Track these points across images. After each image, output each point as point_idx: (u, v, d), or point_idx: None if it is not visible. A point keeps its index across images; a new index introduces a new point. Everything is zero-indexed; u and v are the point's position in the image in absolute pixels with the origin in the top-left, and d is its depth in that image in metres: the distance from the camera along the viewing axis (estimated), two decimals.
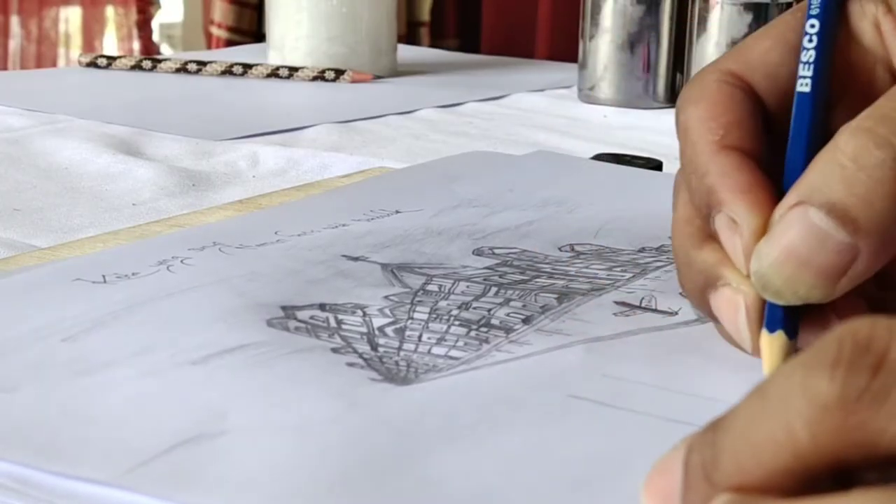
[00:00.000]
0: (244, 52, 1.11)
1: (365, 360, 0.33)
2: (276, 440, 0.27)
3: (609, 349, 0.34)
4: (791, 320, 0.31)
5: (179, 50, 2.68)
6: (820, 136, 0.32)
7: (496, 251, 0.43)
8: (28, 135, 0.70)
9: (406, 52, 1.07)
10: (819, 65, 0.33)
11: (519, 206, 0.50)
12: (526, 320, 0.36)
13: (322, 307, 0.37)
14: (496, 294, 0.38)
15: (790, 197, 0.29)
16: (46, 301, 0.37)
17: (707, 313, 0.33)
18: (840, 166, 0.29)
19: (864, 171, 0.28)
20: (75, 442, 0.27)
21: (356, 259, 0.42)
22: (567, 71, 0.99)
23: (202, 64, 0.96)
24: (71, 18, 2.54)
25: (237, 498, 0.25)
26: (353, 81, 0.93)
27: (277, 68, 0.94)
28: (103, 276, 0.39)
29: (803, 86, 0.32)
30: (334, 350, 0.33)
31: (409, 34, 1.96)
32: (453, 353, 0.33)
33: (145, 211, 0.54)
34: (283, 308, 0.36)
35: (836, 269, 0.29)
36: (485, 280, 0.40)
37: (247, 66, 0.94)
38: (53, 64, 2.48)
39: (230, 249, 0.42)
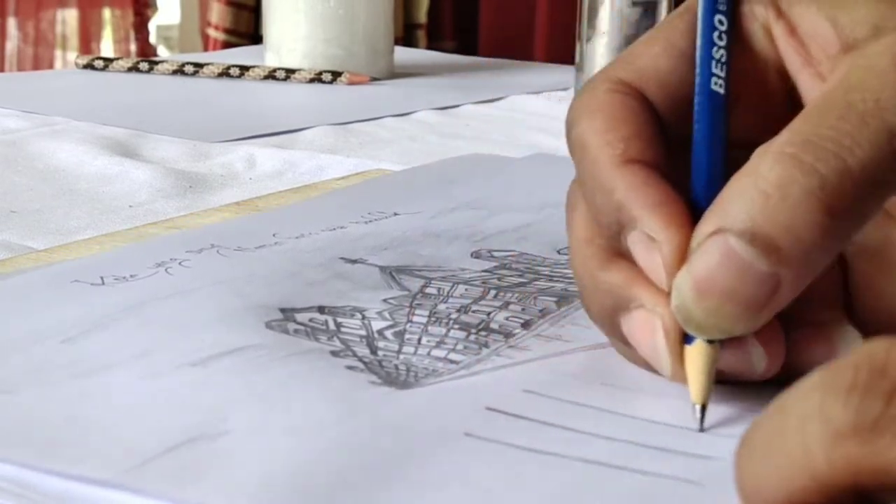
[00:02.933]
0: (241, 54, 1.11)
1: (364, 363, 0.32)
2: (276, 442, 0.27)
3: (609, 356, 0.34)
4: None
5: (176, 52, 2.68)
6: (725, 143, 0.31)
7: (494, 254, 0.43)
8: (25, 137, 0.70)
9: (403, 54, 1.07)
10: (730, 65, 0.31)
11: (517, 208, 0.50)
12: (525, 325, 0.36)
13: (321, 310, 0.37)
14: (495, 297, 0.38)
15: (707, 224, 0.28)
16: (45, 303, 0.37)
17: (618, 338, 0.32)
18: (763, 194, 0.27)
19: (788, 199, 0.27)
20: (75, 443, 0.27)
21: (354, 261, 0.42)
22: (564, 73, 0.99)
23: (199, 66, 0.96)
24: (68, 20, 2.54)
25: (236, 499, 0.25)
26: (350, 83, 0.93)
27: (274, 70, 0.94)
28: (102, 278, 0.39)
29: (717, 86, 0.31)
30: (334, 353, 0.33)
31: (406, 36, 1.97)
32: (453, 356, 0.33)
33: (142, 213, 0.54)
34: (282, 310, 0.36)
35: (759, 300, 0.28)
36: (483, 283, 0.40)
37: (243, 68, 0.94)
38: (50, 66, 2.47)
39: (228, 252, 0.42)
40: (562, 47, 1.35)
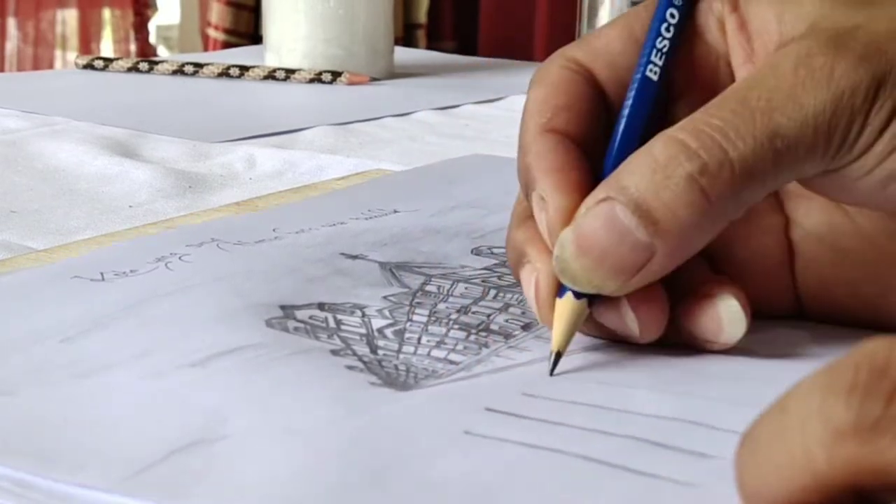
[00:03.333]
0: (241, 54, 1.11)
1: (364, 363, 0.32)
2: (276, 444, 0.27)
3: (607, 352, 0.34)
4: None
5: (176, 52, 2.68)
6: (655, 128, 0.32)
7: (494, 251, 0.43)
8: (25, 137, 0.69)
9: (403, 55, 1.07)
10: (670, 56, 0.34)
11: None
12: (525, 327, 0.36)
13: (321, 307, 0.37)
14: (495, 298, 0.38)
15: (600, 191, 0.31)
16: (45, 301, 0.36)
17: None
18: (651, 171, 0.30)
19: (671, 179, 0.30)
20: (74, 448, 0.27)
21: (354, 257, 0.42)
22: None
23: (199, 66, 0.96)
24: (68, 20, 2.54)
25: (236, 503, 0.25)
26: (350, 83, 0.93)
27: (274, 70, 0.94)
28: (101, 274, 0.39)
29: (651, 73, 0.33)
30: (334, 352, 0.33)
31: (406, 36, 1.97)
32: (452, 356, 0.33)
33: (142, 213, 0.54)
34: (282, 307, 0.36)
35: (632, 266, 0.31)
36: (483, 282, 0.40)
37: (243, 69, 0.94)
38: (50, 66, 2.47)
39: (228, 246, 0.42)
40: (561, 47, 1.35)
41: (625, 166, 0.31)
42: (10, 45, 2.46)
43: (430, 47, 1.86)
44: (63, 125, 0.73)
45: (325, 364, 0.32)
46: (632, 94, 0.33)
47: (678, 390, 0.31)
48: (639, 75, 0.34)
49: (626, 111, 0.33)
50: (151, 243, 0.43)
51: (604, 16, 0.85)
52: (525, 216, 0.34)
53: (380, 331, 0.35)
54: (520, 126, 0.35)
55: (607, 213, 0.30)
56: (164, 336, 0.34)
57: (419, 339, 0.34)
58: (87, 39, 2.53)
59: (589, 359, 0.33)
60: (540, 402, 0.30)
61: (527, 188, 0.34)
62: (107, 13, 2.55)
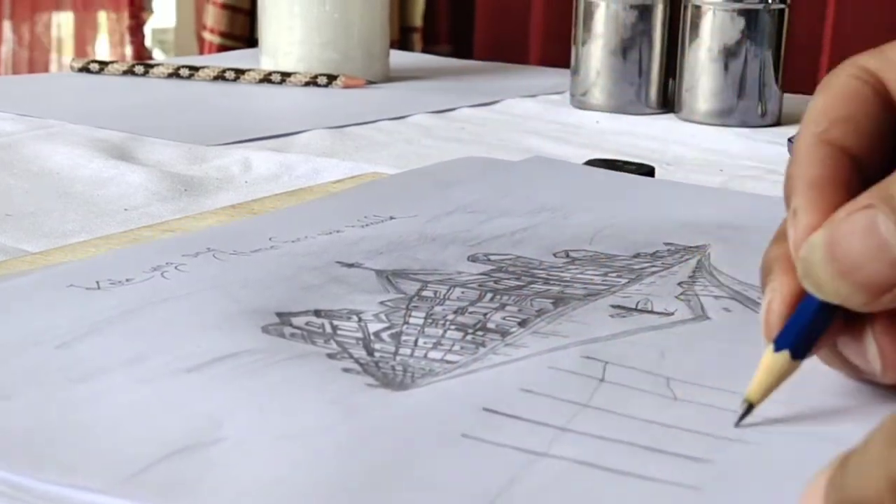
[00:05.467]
0: (236, 58, 1.11)
1: (361, 365, 0.32)
2: (273, 447, 0.27)
3: (606, 350, 0.34)
4: (805, 339, 0.30)
5: (172, 55, 2.68)
6: None
7: (491, 257, 0.43)
8: (20, 140, 0.69)
9: (398, 58, 1.07)
10: None
11: (513, 212, 0.50)
12: (522, 323, 0.36)
13: (317, 313, 0.37)
14: (491, 299, 0.38)
15: (864, 198, 0.28)
16: (40, 307, 0.36)
17: None
18: None
19: None
20: (70, 451, 0.27)
21: (351, 265, 0.42)
22: (559, 76, 0.99)
23: (194, 69, 0.95)
24: (63, 23, 2.54)
25: None
26: (346, 87, 0.93)
27: (270, 73, 0.94)
28: (97, 283, 0.39)
29: None
30: (330, 356, 0.33)
31: (401, 39, 1.96)
32: (449, 356, 0.33)
33: (137, 216, 0.54)
34: (279, 314, 0.36)
35: (886, 283, 0.28)
36: (480, 286, 0.40)
37: (239, 72, 0.94)
38: (46, 69, 2.47)
39: (224, 255, 0.42)
40: (557, 51, 1.35)
41: (894, 175, 0.28)
42: (6, 48, 2.46)
43: (425, 51, 1.86)
44: (58, 128, 0.73)
45: (322, 367, 0.32)
46: None
47: (683, 396, 0.31)
48: None
49: None
50: (147, 252, 0.43)
51: (599, 19, 0.86)
52: (782, 234, 0.32)
53: (376, 334, 0.35)
54: (796, 135, 0.32)
55: (867, 221, 0.28)
56: (159, 341, 0.34)
57: (416, 340, 0.34)
58: (83, 42, 2.53)
59: (591, 351, 0.33)
60: (539, 399, 0.30)
61: (787, 200, 0.31)
62: (102, 16, 2.54)
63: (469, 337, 0.35)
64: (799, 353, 0.30)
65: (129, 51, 2.49)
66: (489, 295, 0.39)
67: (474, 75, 1.05)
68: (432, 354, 0.33)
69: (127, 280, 0.39)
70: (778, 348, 0.30)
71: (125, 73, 0.97)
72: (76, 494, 0.25)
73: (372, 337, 0.35)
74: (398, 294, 0.39)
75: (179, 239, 0.45)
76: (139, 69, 0.97)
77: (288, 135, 0.74)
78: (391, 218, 0.49)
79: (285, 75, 0.93)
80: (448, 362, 0.33)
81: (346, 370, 0.32)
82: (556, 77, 1.02)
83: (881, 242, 0.27)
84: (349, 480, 0.26)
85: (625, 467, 0.27)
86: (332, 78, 0.93)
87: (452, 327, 0.36)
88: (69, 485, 0.25)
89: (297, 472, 0.26)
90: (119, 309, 0.36)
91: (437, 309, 0.37)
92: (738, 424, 0.29)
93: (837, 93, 0.32)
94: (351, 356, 0.33)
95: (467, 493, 0.25)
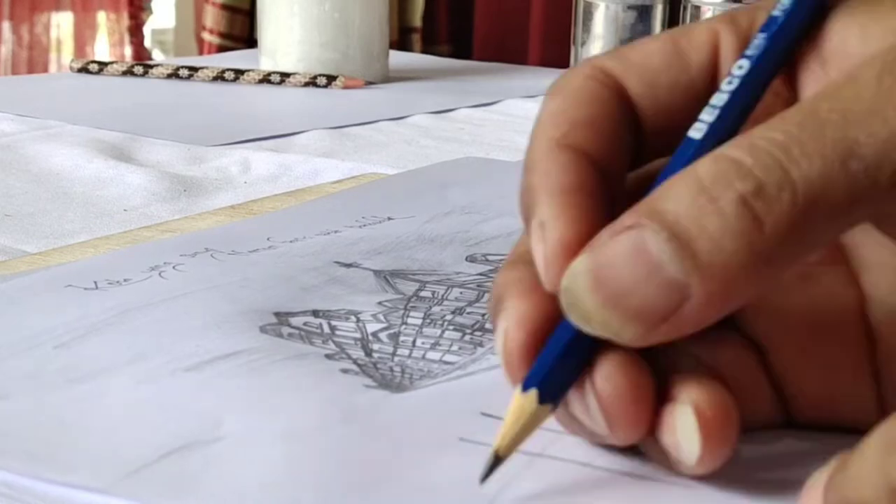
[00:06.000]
0: (236, 58, 1.11)
1: (359, 365, 0.32)
2: (271, 447, 0.27)
3: None
4: (557, 381, 0.26)
5: (171, 56, 2.68)
6: None
7: (489, 257, 0.43)
8: (19, 140, 0.69)
9: (398, 58, 1.07)
10: (726, 112, 0.27)
11: (512, 212, 0.50)
12: None
13: (315, 313, 0.37)
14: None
15: (627, 217, 0.25)
16: (38, 308, 0.36)
17: None
18: (693, 192, 0.24)
19: (718, 202, 0.24)
20: (69, 450, 0.27)
21: (349, 266, 0.42)
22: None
23: (194, 70, 0.96)
24: (62, 24, 2.54)
25: None
26: (345, 87, 0.93)
27: (269, 74, 0.94)
28: (95, 283, 0.39)
29: (695, 131, 0.27)
30: (328, 356, 0.33)
31: (400, 40, 1.97)
32: (448, 357, 0.33)
33: (136, 216, 0.54)
34: (277, 314, 0.36)
35: (660, 310, 0.24)
36: (478, 286, 0.40)
37: (238, 72, 0.94)
38: (45, 69, 2.47)
39: (222, 256, 0.42)
40: (556, 51, 1.35)
41: (661, 188, 0.25)
42: (5, 49, 2.46)
43: (425, 51, 1.86)
44: (58, 129, 0.73)
45: (320, 368, 0.32)
46: (679, 151, 0.27)
47: None
48: (693, 133, 0.27)
49: (672, 161, 0.27)
50: (145, 252, 0.43)
51: (598, 19, 0.86)
52: (518, 257, 0.28)
53: (374, 334, 0.35)
54: (529, 141, 0.29)
55: (635, 242, 0.24)
56: (158, 341, 0.34)
57: (414, 341, 0.34)
58: (82, 43, 2.53)
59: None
60: None
61: (527, 214, 0.27)
62: (102, 17, 2.55)
63: (467, 337, 0.35)
64: (548, 396, 0.26)
65: (128, 51, 2.50)
66: (487, 295, 0.39)
67: (474, 76, 1.05)
68: (430, 355, 0.33)
69: (125, 280, 0.39)
70: (525, 387, 0.26)
71: (124, 73, 0.97)
72: (76, 494, 0.25)
73: (370, 337, 0.35)
74: (396, 294, 0.39)
75: (177, 239, 0.46)
76: (138, 70, 0.97)
77: (287, 135, 0.74)
78: (389, 218, 0.49)
79: (284, 76, 0.93)
80: (446, 363, 0.33)
81: (344, 371, 0.32)
82: (555, 77, 1.01)
83: (651, 263, 0.24)
84: (346, 482, 0.26)
85: (622, 467, 0.27)
86: (331, 78, 0.93)
87: (451, 327, 0.36)
88: (68, 485, 0.26)
89: (294, 472, 0.26)
90: (117, 309, 0.36)
91: (436, 309, 0.37)
92: (483, 481, 0.25)
93: (575, 95, 0.29)
94: (349, 357, 0.33)
95: (465, 496, 0.25)
